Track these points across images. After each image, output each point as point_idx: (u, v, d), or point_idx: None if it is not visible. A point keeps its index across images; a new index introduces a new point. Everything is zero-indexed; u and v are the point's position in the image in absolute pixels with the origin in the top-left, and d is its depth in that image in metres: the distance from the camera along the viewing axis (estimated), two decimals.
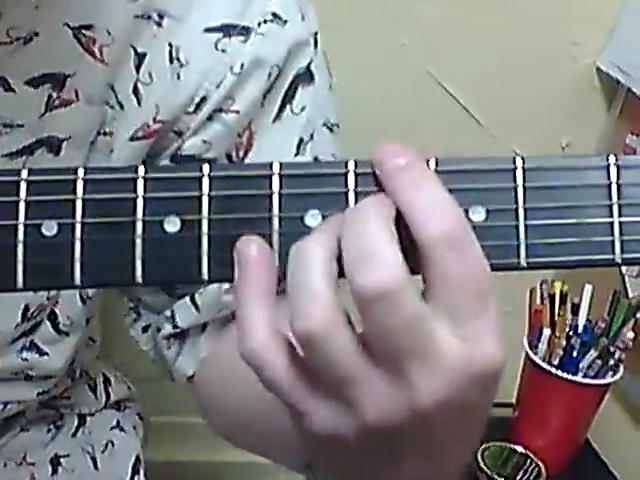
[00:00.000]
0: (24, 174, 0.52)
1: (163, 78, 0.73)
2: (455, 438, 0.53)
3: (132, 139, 0.74)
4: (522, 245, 0.51)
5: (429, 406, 0.49)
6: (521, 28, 1.73)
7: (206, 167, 0.52)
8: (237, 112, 0.74)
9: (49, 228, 0.52)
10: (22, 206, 0.52)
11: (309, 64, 0.77)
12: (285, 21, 0.75)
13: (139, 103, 0.74)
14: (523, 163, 0.51)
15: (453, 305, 0.49)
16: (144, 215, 0.51)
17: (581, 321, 1.59)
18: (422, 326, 0.48)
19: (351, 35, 1.71)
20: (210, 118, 0.75)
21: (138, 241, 0.51)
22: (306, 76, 0.77)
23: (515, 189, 0.51)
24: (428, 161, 0.51)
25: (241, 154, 0.76)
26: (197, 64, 0.73)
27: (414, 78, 1.76)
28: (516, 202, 0.51)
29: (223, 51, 0.73)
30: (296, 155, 0.77)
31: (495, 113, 1.81)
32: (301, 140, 0.77)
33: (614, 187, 0.51)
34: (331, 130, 0.80)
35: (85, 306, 0.81)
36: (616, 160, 0.51)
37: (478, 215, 0.51)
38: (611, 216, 0.51)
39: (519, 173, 0.51)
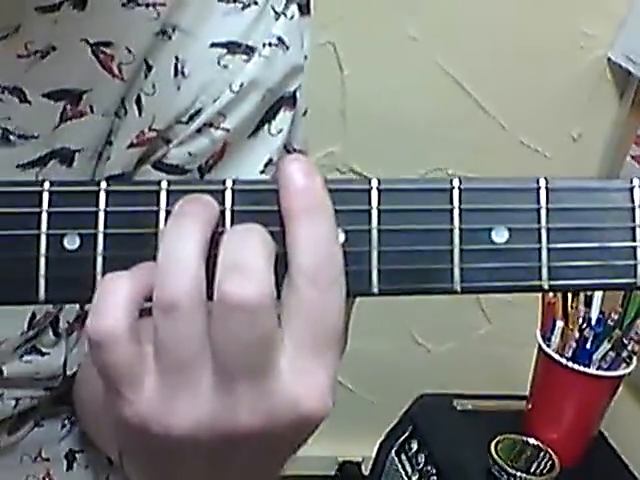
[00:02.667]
0: (46, 185, 0.52)
1: (165, 90, 0.73)
2: (255, 464, 0.53)
3: (128, 147, 0.74)
4: (544, 267, 0.50)
5: (244, 430, 0.49)
6: (532, 20, 1.73)
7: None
8: (227, 130, 0.75)
9: (71, 241, 0.52)
10: (44, 217, 0.52)
11: (296, 89, 0.78)
12: (287, 47, 0.76)
13: (140, 113, 0.74)
14: (546, 183, 0.51)
15: (302, 339, 0.49)
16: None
17: (594, 313, 1.59)
18: (270, 349, 0.48)
19: (362, 28, 1.71)
20: (199, 131, 0.75)
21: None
22: (290, 100, 0.77)
23: (538, 210, 0.51)
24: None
25: (210, 163, 0.76)
26: (198, 77, 0.73)
27: (424, 70, 1.76)
28: (539, 223, 0.50)
29: (225, 67, 0.73)
30: (261, 173, 0.77)
31: (505, 105, 1.81)
32: (270, 160, 0.77)
33: (638, 210, 0.50)
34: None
35: (83, 311, 0.81)
36: None
37: (501, 235, 0.51)
38: (634, 240, 0.50)
39: (542, 194, 0.51)
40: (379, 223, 0.51)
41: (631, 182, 0.51)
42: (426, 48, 1.75)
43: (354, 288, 0.51)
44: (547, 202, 0.51)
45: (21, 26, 0.70)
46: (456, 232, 0.51)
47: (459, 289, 0.51)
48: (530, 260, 0.50)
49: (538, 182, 0.51)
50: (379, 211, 0.51)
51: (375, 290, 0.51)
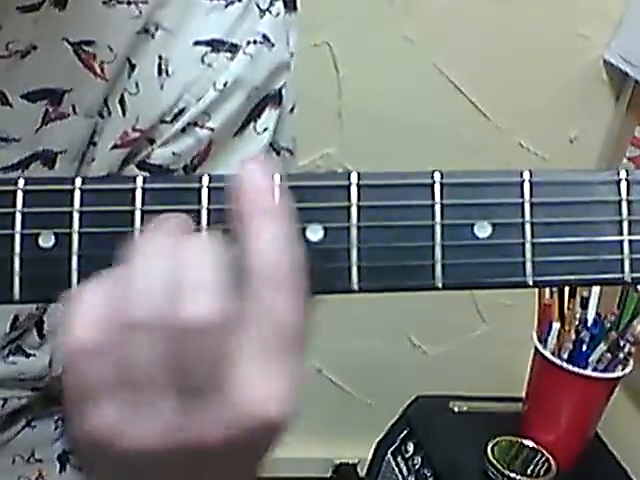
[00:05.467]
0: (21, 184, 0.52)
1: (149, 89, 0.73)
2: (225, 476, 0.52)
3: (112, 148, 0.74)
4: (528, 262, 0.50)
5: (208, 443, 0.48)
6: (528, 21, 1.73)
7: (205, 178, 0.51)
8: (211, 129, 0.74)
9: (46, 240, 0.51)
10: (18, 216, 0.51)
11: (282, 87, 0.77)
12: (273, 44, 0.75)
13: (124, 113, 0.73)
14: (530, 177, 0.50)
15: (261, 343, 0.48)
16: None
17: (590, 315, 1.59)
18: (226, 362, 0.48)
19: (358, 29, 1.71)
20: (184, 130, 0.74)
21: None
22: (276, 98, 0.77)
23: (522, 204, 0.50)
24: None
25: (195, 162, 0.76)
26: (181, 76, 0.73)
27: (420, 72, 1.76)
28: (523, 217, 0.50)
29: (209, 65, 0.73)
30: None
31: (502, 106, 1.81)
32: None
33: (624, 203, 0.49)
34: (278, 153, 0.80)
35: None
36: (627, 175, 0.50)
37: (484, 230, 0.50)
38: (621, 234, 0.49)
39: (526, 187, 0.50)
40: (359, 219, 0.50)
41: (617, 174, 0.50)
42: (422, 49, 1.74)
43: (334, 286, 0.51)
44: (531, 196, 0.50)
45: (1, 26, 0.69)
46: (438, 228, 0.50)
47: (441, 285, 0.50)
48: (514, 255, 0.50)
49: (522, 175, 0.50)
50: (359, 207, 0.50)
51: (355, 287, 0.50)
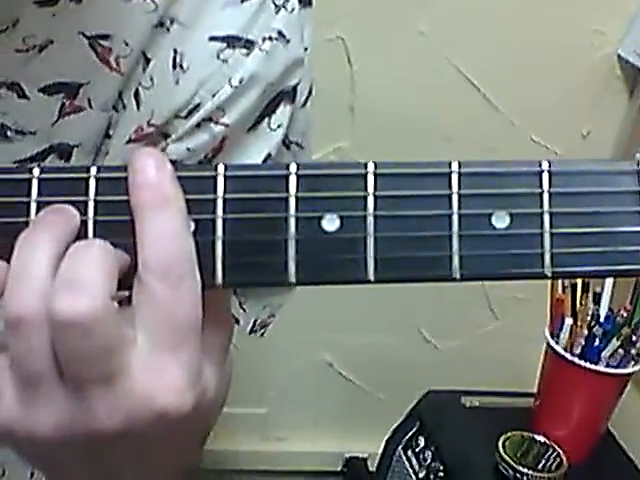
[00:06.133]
0: (36, 172, 0.52)
1: (164, 83, 0.73)
2: (133, 467, 0.54)
3: (127, 142, 0.74)
4: (547, 253, 0.49)
5: (104, 431, 0.50)
6: (542, 16, 1.72)
7: (221, 167, 0.51)
8: (226, 125, 0.74)
9: None
10: (33, 206, 0.52)
11: (297, 83, 0.77)
12: (288, 40, 0.75)
13: (138, 107, 0.73)
14: (549, 167, 0.49)
15: (153, 335, 0.49)
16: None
17: (603, 310, 1.58)
18: (116, 355, 0.48)
19: (372, 24, 1.70)
20: (198, 126, 0.74)
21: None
22: (290, 95, 0.77)
23: (541, 194, 0.49)
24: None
25: (209, 157, 0.76)
26: (197, 71, 0.73)
27: (434, 66, 1.75)
28: (541, 207, 0.49)
29: (224, 61, 0.73)
30: None
31: (515, 101, 1.80)
32: (269, 155, 0.77)
33: None
34: (288, 148, 0.80)
35: None
36: None
37: (502, 221, 0.49)
38: None
39: (545, 177, 0.49)
40: (375, 209, 0.50)
41: (637, 164, 0.49)
42: (436, 44, 1.74)
43: (350, 276, 0.50)
44: (550, 186, 0.49)
45: (19, 20, 0.69)
46: (455, 218, 0.50)
47: (458, 276, 0.50)
48: (532, 246, 0.49)
49: (541, 165, 0.50)
50: (375, 197, 0.50)
51: (371, 278, 0.50)
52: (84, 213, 0.51)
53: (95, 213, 0.51)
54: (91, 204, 0.51)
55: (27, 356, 0.49)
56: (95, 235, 0.51)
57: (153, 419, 0.50)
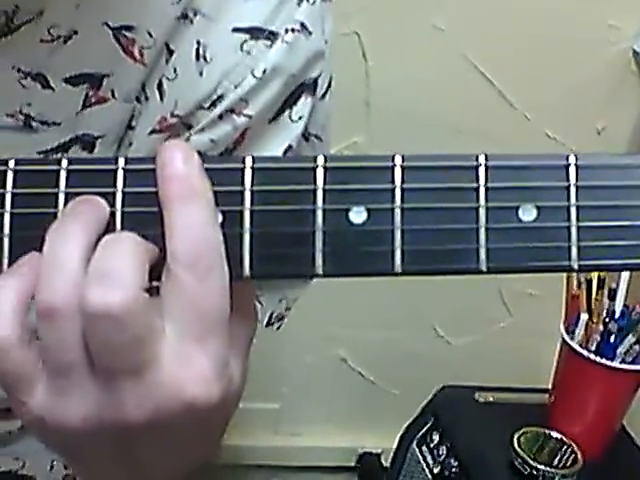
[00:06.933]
0: (64, 164, 0.52)
1: (187, 74, 0.73)
2: (160, 459, 0.54)
3: (150, 133, 0.74)
4: (574, 246, 0.49)
5: (133, 422, 0.50)
6: (557, 12, 1.72)
7: (249, 159, 0.52)
8: (249, 116, 0.74)
9: None
10: (61, 197, 0.52)
11: (318, 75, 0.77)
12: (310, 33, 0.75)
13: (161, 98, 0.74)
14: (576, 160, 0.49)
15: (182, 325, 0.50)
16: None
17: (618, 306, 1.58)
18: (147, 346, 0.49)
19: (387, 19, 1.70)
20: (221, 117, 0.74)
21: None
22: (311, 87, 0.77)
23: (567, 187, 0.49)
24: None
25: (230, 148, 0.76)
26: (220, 62, 0.73)
27: (449, 61, 1.75)
28: (568, 200, 0.49)
29: (248, 53, 0.73)
30: None
31: (530, 97, 1.80)
32: (289, 147, 0.77)
33: None
34: (307, 140, 0.80)
35: None
36: None
37: (529, 214, 0.50)
38: None
39: (572, 171, 0.49)
40: (402, 201, 0.50)
41: None
42: (452, 39, 1.74)
43: (377, 268, 0.50)
44: (577, 179, 0.49)
45: (44, 10, 0.70)
46: (482, 210, 0.50)
47: (485, 269, 0.50)
48: (559, 239, 0.49)
49: (567, 159, 0.50)
50: (402, 189, 0.50)
51: (398, 270, 0.50)
52: (112, 205, 0.51)
53: (123, 205, 0.51)
54: (119, 195, 0.51)
55: (59, 346, 0.49)
56: (123, 227, 0.51)
57: (181, 410, 0.50)
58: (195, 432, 0.53)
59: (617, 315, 1.57)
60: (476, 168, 0.50)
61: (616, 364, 1.53)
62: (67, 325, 0.49)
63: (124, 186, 0.52)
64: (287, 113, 0.76)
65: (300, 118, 0.77)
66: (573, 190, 0.49)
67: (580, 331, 1.56)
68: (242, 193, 0.51)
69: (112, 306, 0.47)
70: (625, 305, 1.58)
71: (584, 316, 1.55)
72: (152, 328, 0.49)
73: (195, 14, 0.72)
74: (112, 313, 0.47)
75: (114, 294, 0.47)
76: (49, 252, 0.49)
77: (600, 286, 1.58)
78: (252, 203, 0.51)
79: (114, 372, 0.49)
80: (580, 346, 1.56)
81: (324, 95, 0.80)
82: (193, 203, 0.50)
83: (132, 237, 0.50)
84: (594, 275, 1.58)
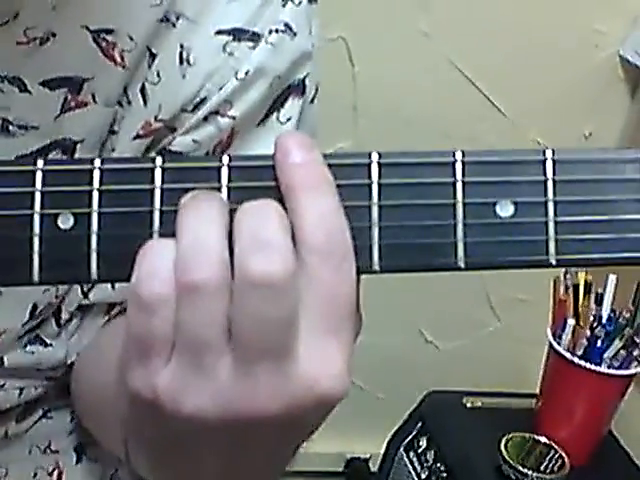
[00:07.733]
0: (40, 164, 0.51)
1: (170, 78, 0.73)
2: (271, 448, 0.52)
3: (134, 138, 0.74)
4: (551, 241, 0.49)
5: (264, 414, 0.48)
6: (544, 17, 1.72)
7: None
8: (233, 118, 0.74)
9: (64, 220, 0.51)
10: (38, 196, 0.51)
11: (305, 77, 0.77)
12: (295, 33, 0.75)
13: (145, 102, 0.73)
14: (553, 155, 0.49)
15: (317, 317, 0.48)
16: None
17: (605, 311, 1.58)
18: (290, 330, 0.47)
19: (373, 23, 1.70)
20: (205, 119, 0.74)
21: None
22: (299, 88, 0.76)
23: (545, 182, 0.49)
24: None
25: (218, 151, 0.76)
26: (203, 65, 0.73)
27: (435, 66, 1.76)
28: (546, 195, 0.49)
29: (230, 54, 0.73)
30: None
31: (517, 102, 1.81)
32: None
33: None
34: None
35: (86, 298, 0.81)
36: None
37: (506, 209, 0.49)
38: None
39: (549, 166, 0.49)
40: (380, 198, 0.50)
41: None
42: (438, 44, 1.74)
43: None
44: (554, 174, 0.49)
45: (20, 12, 0.69)
46: (459, 206, 0.50)
47: (463, 265, 0.50)
48: (537, 234, 0.49)
49: (544, 154, 0.49)
50: (379, 185, 0.50)
51: (377, 267, 0.50)
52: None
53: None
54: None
55: (197, 325, 0.47)
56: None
57: (313, 404, 0.48)
58: (313, 428, 0.52)
59: (604, 320, 1.57)
60: (453, 164, 0.50)
61: (603, 369, 1.53)
62: (212, 302, 0.47)
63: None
64: (275, 115, 0.76)
65: (289, 120, 0.76)
66: (550, 185, 0.49)
67: (567, 336, 1.56)
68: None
69: (274, 275, 0.46)
70: (612, 310, 1.58)
71: (571, 321, 1.55)
72: (297, 310, 0.47)
73: (178, 17, 0.72)
74: (274, 282, 0.46)
75: (276, 263, 0.46)
76: (190, 234, 0.48)
77: (587, 291, 1.58)
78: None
79: (253, 356, 0.47)
80: (567, 351, 1.56)
81: (313, 99, 0.80)
82: (323, 191, 0.48)
83: (275, 205, 0.48)
84: (581, 280, 1.58)
